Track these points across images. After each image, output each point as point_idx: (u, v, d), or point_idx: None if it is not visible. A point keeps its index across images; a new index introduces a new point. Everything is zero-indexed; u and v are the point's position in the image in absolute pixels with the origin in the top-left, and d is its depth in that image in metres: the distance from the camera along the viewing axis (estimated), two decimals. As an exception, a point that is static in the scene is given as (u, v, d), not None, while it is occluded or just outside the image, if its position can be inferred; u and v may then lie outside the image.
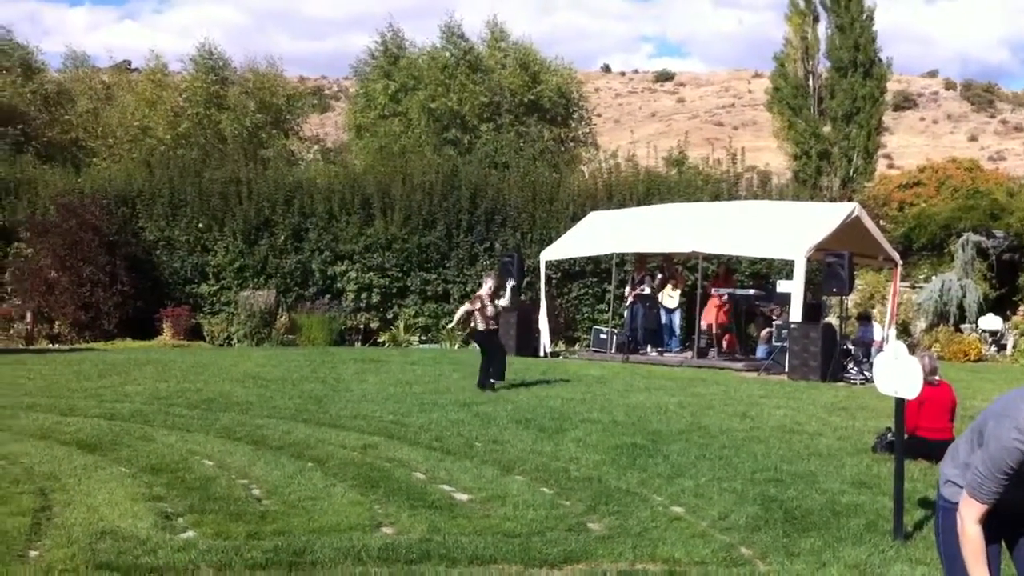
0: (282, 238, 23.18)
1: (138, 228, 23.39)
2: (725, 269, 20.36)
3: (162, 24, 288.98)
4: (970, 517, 3.16)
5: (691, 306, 19.38)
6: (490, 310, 13.20)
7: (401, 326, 22.84)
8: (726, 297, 18.66)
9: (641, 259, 20.21)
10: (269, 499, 6.91)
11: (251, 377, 14.19)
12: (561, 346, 21.14)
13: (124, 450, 8.55)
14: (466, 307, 13.63)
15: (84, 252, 21.78)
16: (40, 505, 6.55)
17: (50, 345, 21.05)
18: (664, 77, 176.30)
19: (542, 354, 19.08)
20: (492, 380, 13.02)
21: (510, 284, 14.97)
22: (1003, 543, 3.24)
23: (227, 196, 23.32)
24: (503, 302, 13.81)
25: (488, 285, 13.39)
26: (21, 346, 20.67)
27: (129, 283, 21.96)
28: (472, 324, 13.83)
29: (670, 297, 19.34)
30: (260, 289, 22.68)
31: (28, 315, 21.52)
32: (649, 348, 19.31)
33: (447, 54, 36.50)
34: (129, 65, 47.24)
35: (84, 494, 6.90)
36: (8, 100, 36.24)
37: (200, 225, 23.32)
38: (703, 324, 18.64)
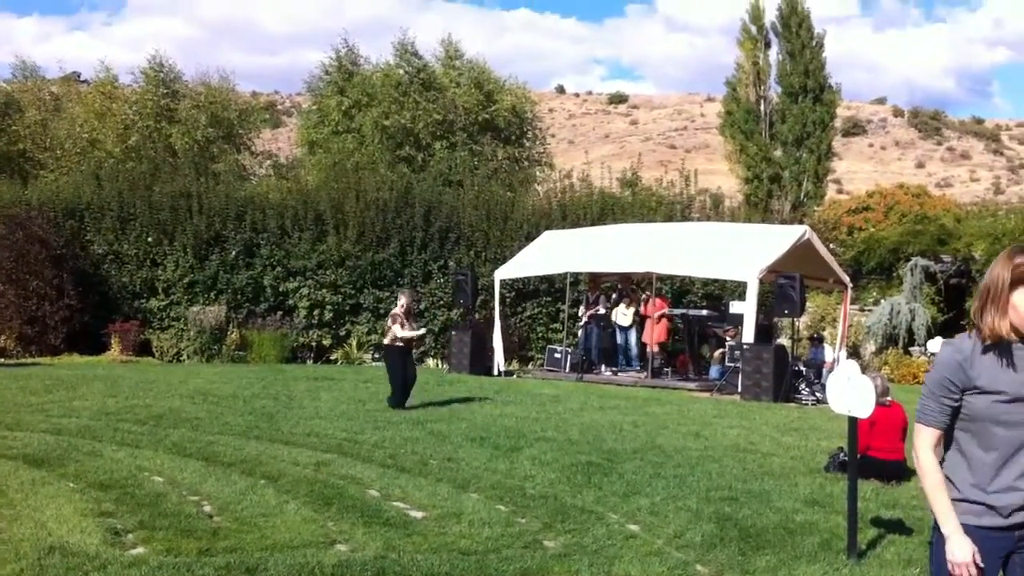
0: (233, 253, 22.95)
1: (86, 241, 23.03)
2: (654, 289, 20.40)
3: (112, 36, 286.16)
4: (921, 445, 3.19)
5: (640, 326, 19.53)
6: (399, 328, 12.98)
7: (354, 343, 22.69)
8: (661, 316, 18.81)
9: (595, 278, 20.28)
10: (221, 515, 6.83)
11: (201, 393, 13.99)
12: (515, 365, 21.12)
13: (72, 465, 8.42)
14: (399, 330, 13.10)
15: (30, 265, 21.42)
16: (-15, 521, 6.39)
17: (-6, 359, 20.62)
18: (617, 99, 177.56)
19: (496, 373, 19.07)
20: (402, 399, 12.89)
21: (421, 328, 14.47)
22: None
23: (177, 210, 23.05)
24: (414, 333, 13.43)
25: (402, 302, 13.34)
26: (-37, 360, 20.24)
27: (76, 297, 21.60)
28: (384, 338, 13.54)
29: (623, 315, 19.43)
30: (210, 305, 22.40)
31: (-29, 329, 21.09)
32: (603, 367, 19.37)
33: (401, 71, 36.44)
34: (79, 77, 46.59)
35: (32, 509, 6.78)
36: (-47, 110, 35.64)
37: (150, 239, 23.03)
38: (648, 344, 18.76)
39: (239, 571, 5.43)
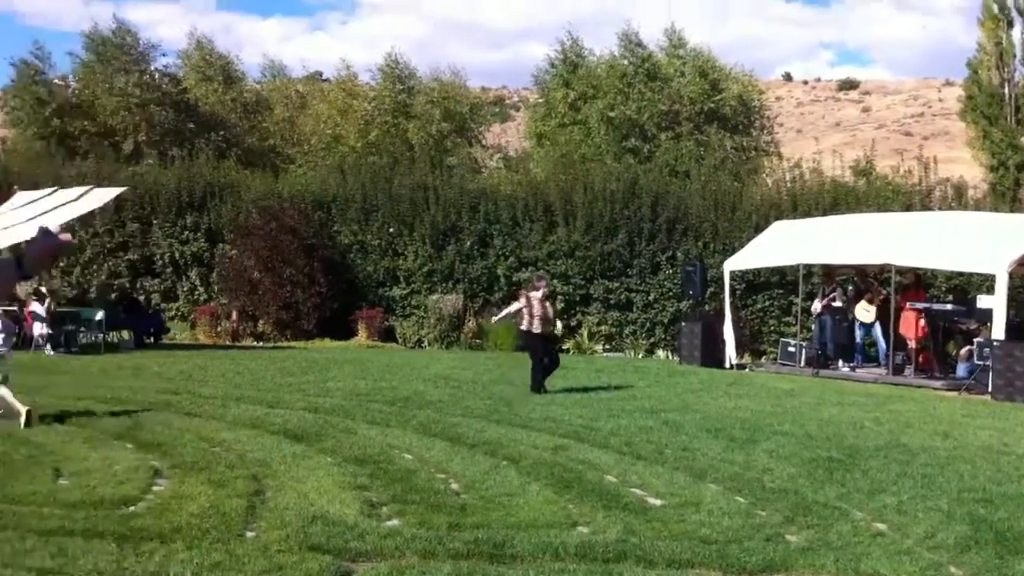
0: (468, 244, 23.73)
1: (333, 232, 24.35)
2: (916, 278, 19.50)
3: (348, 35, 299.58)
4: None
5: (884, 320, 18.73)
6: (537, 310, 13.22)
7: (585, 334, 22.97)
8: (922, 310, 17.93)
9: (830, 271, 19.68)
10: (467, 493, 7.15)
11: (443, 378, 14.65)
12: (747, 358, 20.81)
13: (329, 441, 8.99)
14: (514, 305, 13.74)
15: (284, 254, 22.72)
16: (254, 489, 6.96)
17: (255, 343, 22.24)
18: (848, 85, 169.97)
19: (728, 365, 18.84)
20: (542, 384, 13.17)
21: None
22: None
23: (416, 202, 24.05)
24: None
25: (543, 290, 13.64)
26: (228, 342, 21.94)
27: (326, 285, 22.81)
28: (519, 323, 13.79)
29: (865, 311, 18.69)
30: (448, 293, 23.27)
31: (234, 313, 22.79)
32: (840, 362, 18.78)
33: (625, 62, 36.43)
34: (321, 75, 49.34)
35: (294, 480, 7.28)
36: (211, 108, 38.49)
37: (391, 230, 24.12)
38: (905, 338, 17.91)
39: (487, 546, 5.66)
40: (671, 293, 22.70)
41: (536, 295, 13.51)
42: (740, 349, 20.11)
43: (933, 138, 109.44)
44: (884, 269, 18.86)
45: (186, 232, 24.78)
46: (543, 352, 13.50)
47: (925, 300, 18.64)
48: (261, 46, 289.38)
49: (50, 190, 21.25)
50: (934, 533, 6.31)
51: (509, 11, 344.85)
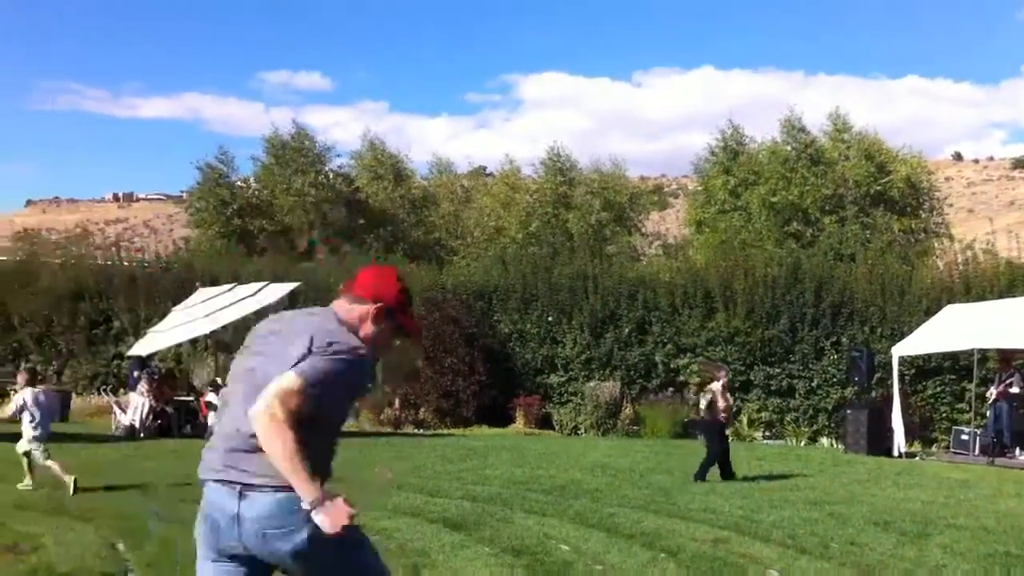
0: (626, 331, 23.74)
1: (494, 321, 24.78)
2: None
3: (512, 131, 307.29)
4: None
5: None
6: (720, 402, 13.44)
7: (745, 420, 22.54)
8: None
9: (1006, 355, 18.78)
10: (625, 585, 7.11)
11: (599, 466, 14.60)
12: (917, 446, 19.95)
13: (487, 530, 9.03)
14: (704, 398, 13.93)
15: (445, 344, 23.22)
16: (413, 578, 7.06)
17: (415, 430, 22.73)
18: (1022, 163, 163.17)
19: (896, 454, 18.11)
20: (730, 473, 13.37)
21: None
22: None
23: (575, 290, 24.28)
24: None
25: (723, 380, 13.77)
26: (390, 430, 22.49)
27: (485, 373, 23.18)
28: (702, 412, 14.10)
29: None
30: (605, 380, 23.29)
31: (396, 401, 23.40)
32: (1018, 451, 17.79)
33: (788, 148, 36.18)
34: (485, 170, 50.85)
35: (452, 571, 7.36)
36: (381, 204, 40.14)
37: (550, 318, 24.39)
38: None
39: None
40: (835, 379, 22.06)
41: (717, 386, 13.60)
42: (909, 437, 19.31)
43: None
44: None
45: (354, 323, 25.59)
46: (720, 442, 13.62)
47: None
48: (429, 145, 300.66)
49: (229, 286, 22.50)
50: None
51: (669, 102, 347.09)
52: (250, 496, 3.27)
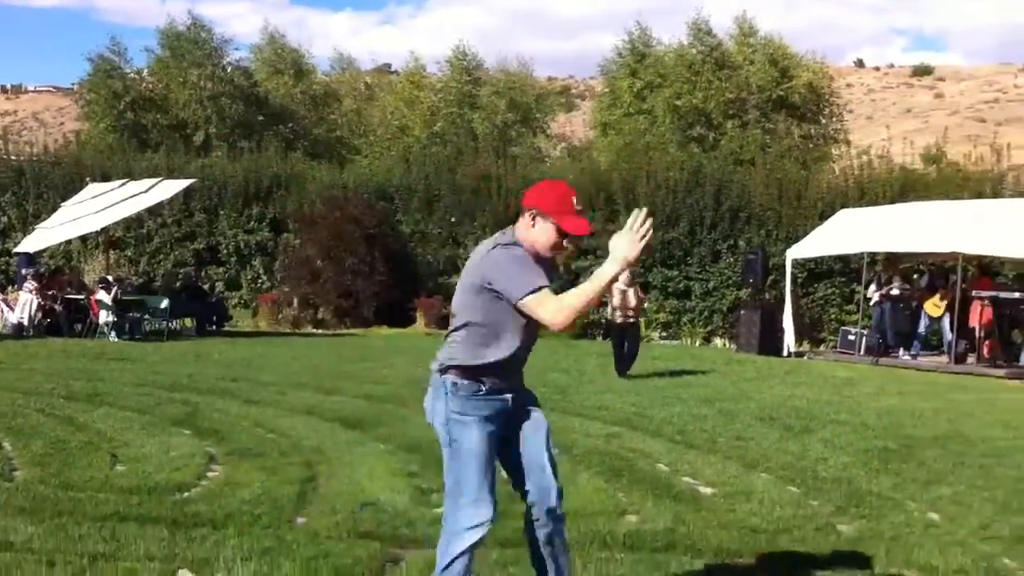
0: (529, 232, 23.69)
1: (395, 221, 24.58)
2: (980, 268, 19.11)
3: (417, 27, 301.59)
4: None
5: (950, 309, 18.39)
6: (616, 300, 13.69)
7: (643, 322, 22.85)
8: (988, 300, 17.55)
9: (893, 259, 19.36)
10: (519, 481, 7.15)
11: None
12: (806, 346, 20.57)
13: (382, 428, 9.03)
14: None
15: (346, 243, 22.96)
16: (306, 476, 7.03)
17: (314, 330, 22.55)
18: (922, 71, 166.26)
19: (785, 353, 18.67)
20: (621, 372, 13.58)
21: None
22: None
23: (478, 192, 24.15)
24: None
25: (622, 278, 13.59)
26: (288, 330, 22.27)
27: (386, 273, 23.04)
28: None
29: (936, 307, 18.36)
30: (506, 282, 23.28)
31: (295, 301, 23.13)
32: (901, 351, 18.48)
33: (694, 51, 36.11)
34: (389, 67, 49.82)
35: (347, 467, 7.36)
36: (281, 100, 39.06)
37: (453, 219, 24.26)
38: (976, 327, 17.54)
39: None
40: (731, 281, 22.49)
41: (617, 284, 13.53)
42: (799, 337, 19.87)
43: (1008, 124, 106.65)
44: (950, 258, 18.51)
45: (252, 222, 25.19)
46: (620, 340, 13.82)
47: (991, 288, 18.26)
48: (331, 40, 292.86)
49: (121, 182, 21.75)
50: (989, 524, 6.20)
51: (578, 1, 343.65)
52: None
